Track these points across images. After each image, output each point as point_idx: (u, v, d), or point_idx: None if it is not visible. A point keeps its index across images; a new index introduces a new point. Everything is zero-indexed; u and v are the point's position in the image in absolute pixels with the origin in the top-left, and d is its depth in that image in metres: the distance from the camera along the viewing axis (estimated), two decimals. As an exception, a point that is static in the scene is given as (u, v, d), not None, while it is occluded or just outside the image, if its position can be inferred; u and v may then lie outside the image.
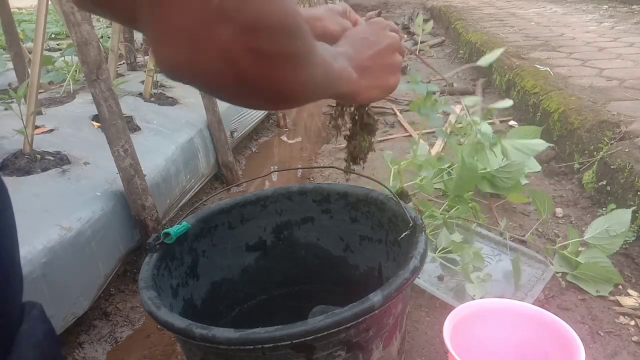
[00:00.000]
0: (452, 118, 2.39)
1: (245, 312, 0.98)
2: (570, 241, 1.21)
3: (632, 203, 1.33)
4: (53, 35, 3.87)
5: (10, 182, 1.24)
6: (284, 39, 0.36)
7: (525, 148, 1.20)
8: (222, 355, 0.63)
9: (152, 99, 2.01)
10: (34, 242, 1.04)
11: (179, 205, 1.67)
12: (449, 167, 1.44)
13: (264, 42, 0.34)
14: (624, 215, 1.16)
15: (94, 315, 1.23)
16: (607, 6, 4.58)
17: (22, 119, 1.32)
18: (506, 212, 1.53)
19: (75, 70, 2.14)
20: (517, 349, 0.86)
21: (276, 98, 0.39)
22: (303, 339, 0.57)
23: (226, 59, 0.33)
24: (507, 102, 0.97)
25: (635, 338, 1.02)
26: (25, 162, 1.31)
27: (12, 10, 2.00)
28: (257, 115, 2.46)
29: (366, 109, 0.75)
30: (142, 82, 2.07)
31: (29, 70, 1.55)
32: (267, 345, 0.57)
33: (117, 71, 2.26)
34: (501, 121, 2.33)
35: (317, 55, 0.43)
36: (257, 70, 0.35)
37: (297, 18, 0.37)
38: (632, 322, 1.06)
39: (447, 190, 1.41)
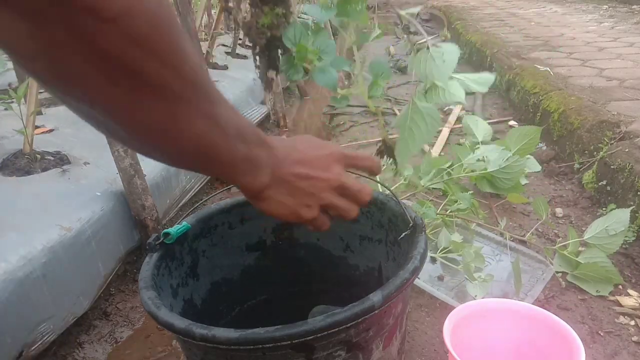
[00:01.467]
0: (451, 118, 2.39)
1: (245, 312, 0.98)
2: (570, 241, 1.21)
3: (632, 203, 1.33)
4: (53, 35, 3.87)
5: (10, 182, 1.24)
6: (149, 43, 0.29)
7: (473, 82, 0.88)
8: (222, 355, 0.63)
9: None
10: (34, 242, 1.04)
11: (179, 205, 1.66)
12: (448, 167, 1.44)
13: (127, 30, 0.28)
14: (623, 215, 1.16)
15: (94, 315, 1.23)
16: (607, 6, 4.58)
17: (22, 119, 1.32)
18: (506, 212, 1.53)
19: (75, 70, 2.14)
20: (517, 349, 0.86)
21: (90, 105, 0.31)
22: (303, 339, 0.57)
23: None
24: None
25: (635, 338, 1.02)
26: (25, 162, 1.31)
27: (12, 10, 2.00)
28: (257, 115, 2.46)
29: None
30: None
31: (29, 70, 1.54)
32: (267, 345, 0.57)
33: (117, 71, 2.25)
34: (501, 121, 2.34)
35: (205, 100, 0.36)
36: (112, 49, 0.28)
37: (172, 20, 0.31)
38: (632, 322, 1.06)
39: (446, 191, 1.41)
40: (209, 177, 1.91)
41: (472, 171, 1.44)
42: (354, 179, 0.56)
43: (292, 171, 0.50)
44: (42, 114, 1.68)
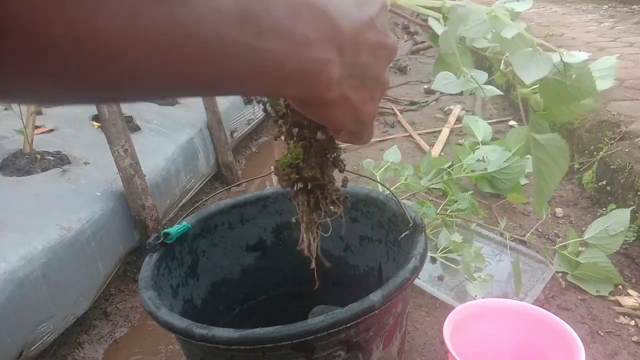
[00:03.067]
0: (451, 118, 2.39)
1: (245, 312, 0.98)
2: (570, 241, 1.21)
3: (632, 203, 1.33)
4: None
5: (10, 182, 1.24)
6: None
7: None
8: (222, 355, 0.63)
9: (152, 99, 2.00)
10: (34, 242, 1.04)
11: (179, 205, 1.66)
12: (448, 167, 1.44)
13: None
14: (623, 215, 1.16)
15: (94, 315, 1.23)
16: (607, 6, 4.58)
17: (22, 119, 1.32)
18: (506, 212, 1.53)
19: (75, 70, 2.14)
20: (517, 349, 0.86)
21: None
22: (303, 339, 0.57)
23: None
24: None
25: (635, 338, 1.02)
26: (25, 162, 1.31)
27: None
28: (257, 114, 2.46)
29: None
30: (142, 82, 2.06)
31: (29, 70, 1.54)
32: (267, 345, 0.57)
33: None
34: (501, 121, 2.34)
35: None
36: None
37: None
38: (632, 322, 1.06)
39: (446, 191, 1.41)
40: (208, 177, 1.91)
41: (472, 171, 1.44)
42: None
43: (362, 41, 0.30)
44: (42, 114, 1.68)
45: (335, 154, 0.43)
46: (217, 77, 0.25)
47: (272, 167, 0.45)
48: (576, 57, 0.44)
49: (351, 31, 0.29)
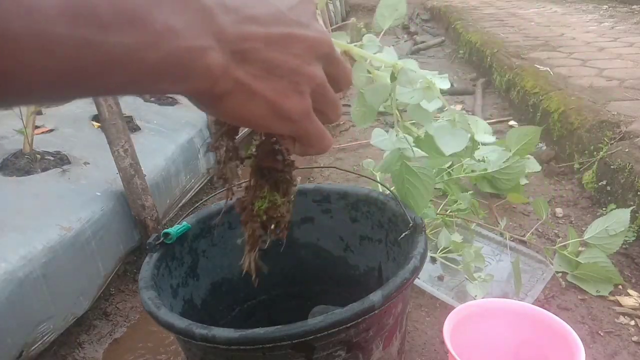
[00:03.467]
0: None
1: (245, 312, 0.98)
2: (570, 241, 1.21)
3: (632, 203, 1.33)
4: (53, 35, 3.86)
5: (10, 182, 1.24)
6: None
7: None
8: (222, 355, 0.63)
9: (152, 98, 2.01)
10: (34, 242, 1.04)
11: (179, 205, 1.66)
12: (449, 167, 1.44)
13: None
14: (623, 215, 1.16)
15: (94, 315, 1.23)
16: (607, 6, 4.58)
17: (22, 119, 1.32)
18: (506, 212, 1.53)
19: (75, 70, 2.13)
20: (517, 349, 0.86)
21: None
22: (303, 339, 0.57)
23: None
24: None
25: (635, 338, 1.02)
26: (25, 162, 1.31)
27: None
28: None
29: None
30: (142, 82, 2.06)
31: (29, 70, 1.54)
32: (267, 345, 0.57)
33: (117, 71, 2.25)
34: (501, 121, 2.34)
35: None
36: None
37: None
38: (632, 322, 1.06)
39: (446, 191, 1.41)
40: (209, 177, 1.91)
41: (472, 171, 1.44)
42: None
43: (259, 32, 0.29)
44: (42, 114, 1.68)
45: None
46: (53, 79, 0.22)
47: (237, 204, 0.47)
48: (485, 138, 0.50)
49: (232, 19, 0.28)
